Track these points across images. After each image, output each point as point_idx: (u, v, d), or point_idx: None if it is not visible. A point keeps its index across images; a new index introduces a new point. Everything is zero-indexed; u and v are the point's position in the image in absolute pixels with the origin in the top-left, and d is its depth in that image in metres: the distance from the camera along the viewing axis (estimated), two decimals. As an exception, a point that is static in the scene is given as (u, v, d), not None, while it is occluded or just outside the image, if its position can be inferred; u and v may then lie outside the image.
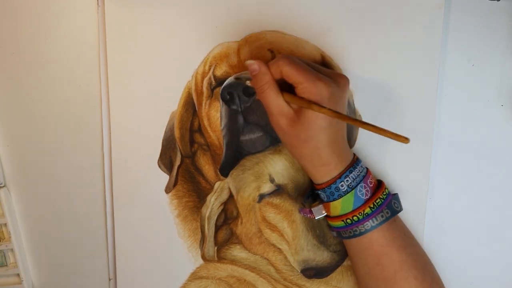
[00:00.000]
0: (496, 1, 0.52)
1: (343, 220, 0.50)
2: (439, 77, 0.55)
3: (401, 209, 0.52)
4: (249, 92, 0.55)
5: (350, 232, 0.50)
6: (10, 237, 0.63)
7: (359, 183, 0.49)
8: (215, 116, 0.58)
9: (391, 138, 0.44)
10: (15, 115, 0.60)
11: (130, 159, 0.60)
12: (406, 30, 0.54)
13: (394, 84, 0.56)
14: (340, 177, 0.49)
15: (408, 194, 0.57)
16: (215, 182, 0.59)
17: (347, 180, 0.49)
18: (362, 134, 0.57)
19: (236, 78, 0.54)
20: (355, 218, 0.49)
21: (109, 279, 0.64)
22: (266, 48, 0.57)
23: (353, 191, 0.49)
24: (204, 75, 0.58)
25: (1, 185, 0.62)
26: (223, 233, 0.60)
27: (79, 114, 0.60)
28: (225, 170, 0.59)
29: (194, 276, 0.61)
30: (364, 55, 0.56)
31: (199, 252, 0.61)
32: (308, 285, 0.59)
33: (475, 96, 0.56)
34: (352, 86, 0.57)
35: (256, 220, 0.59)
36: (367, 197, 0.50)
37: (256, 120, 0.56)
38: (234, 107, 0.56)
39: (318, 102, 0.46)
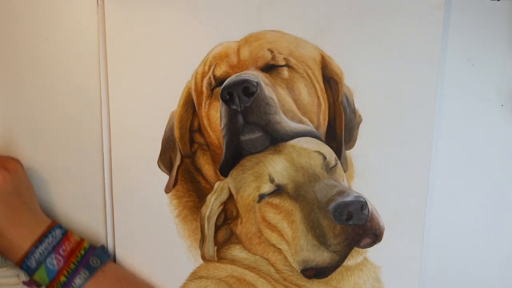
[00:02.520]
0: (496, 1, 0.52)
1: (53, 287, 0.54)
2: (439, 77, 0.55)
3: (102, 263, 0.55)
4: (249, 92, 0.55)
5: None
6: (10, 237, 0.63)
7: (48, 256, 0.53)
8: (215, 116, 0.58)
9: None
10: (15, 115, 0.60)
11: (130, 159, 0.60)
12: (406, 30, 0.54)
13: (394, 84, 0.56)
14: (27, 256, 0.52)
15: (408, 194, 0.57)
16: (215, 182, 0.59)
17: (35, 256, 0.52)
18: (362, 134, 0.57)
19: None
20: (58, 285, 0.53)
21: (109, 279, 0.64)
22: (266, 48, 0.57)
23: (43, 265, 0.52)
24: (204, 75, 0.58)
25: (1, 185, 0.62)
26: (223, 233, 0.60)
27: (79, 114, 0.60)
28: (225, 170, 0.59)
29: (194, 276, 0.61)
30: (364, 55, 0.56)
31: (199, 252, 0.61)
32: (308, 285, 0.59)
33: (475, 96, 0.56)
34: (352, 86, 0.57)
35: (255, 220, 0.58)
36: (59, 266, 0.53)
37: (256, 120, 0.56)
38: (234, 107, 0.56)
39: None
